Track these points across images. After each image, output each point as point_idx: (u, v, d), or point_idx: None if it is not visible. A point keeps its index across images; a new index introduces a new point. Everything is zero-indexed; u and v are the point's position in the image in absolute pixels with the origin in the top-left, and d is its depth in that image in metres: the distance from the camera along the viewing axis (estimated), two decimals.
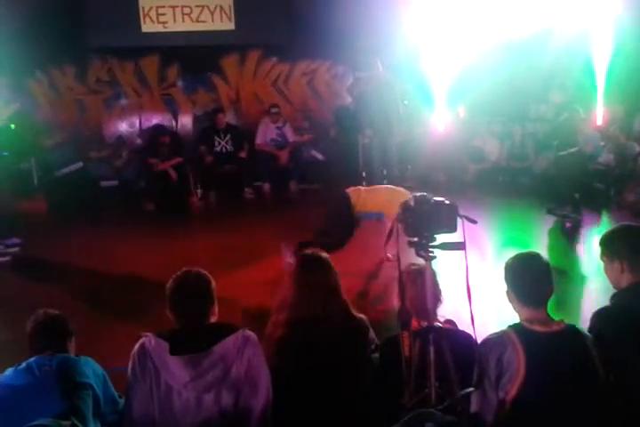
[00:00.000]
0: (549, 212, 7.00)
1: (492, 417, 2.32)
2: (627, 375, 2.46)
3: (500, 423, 2.32)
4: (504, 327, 2.45)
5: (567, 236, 6.77)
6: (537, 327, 2.38)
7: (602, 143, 8.43)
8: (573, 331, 2.43)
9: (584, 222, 6.95)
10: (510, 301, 2.50)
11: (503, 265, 2.51)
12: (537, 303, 2.43)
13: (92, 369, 2.72)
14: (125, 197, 8.87)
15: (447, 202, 2.27)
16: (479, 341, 2.43)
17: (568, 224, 6.87)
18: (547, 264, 2.48)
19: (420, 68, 9.05)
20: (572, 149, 7.21)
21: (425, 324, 2.37)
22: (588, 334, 2.47)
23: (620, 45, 8.83)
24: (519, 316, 2.48)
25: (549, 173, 8.04)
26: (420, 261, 2.45)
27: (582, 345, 2.39)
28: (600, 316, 2.66)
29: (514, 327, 2.41)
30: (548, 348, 2.34)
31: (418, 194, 2.28)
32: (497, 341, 2.38)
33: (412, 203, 2.24)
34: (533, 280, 2.44)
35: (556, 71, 8.99)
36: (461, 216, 2.27)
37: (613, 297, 2.73)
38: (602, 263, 2.76)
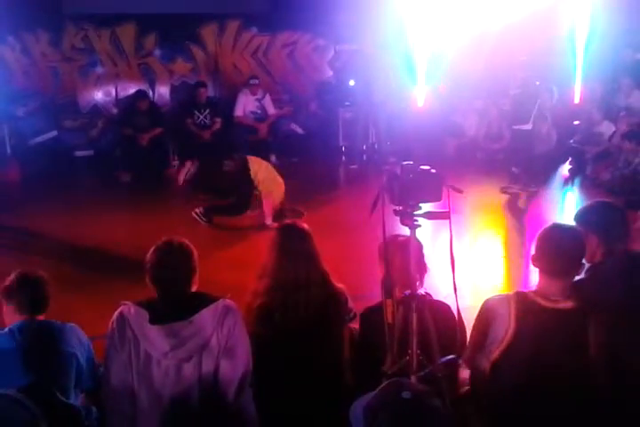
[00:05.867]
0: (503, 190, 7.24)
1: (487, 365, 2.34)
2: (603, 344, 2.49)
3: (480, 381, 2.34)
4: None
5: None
6: (540, 300, 2.35)
7: (576, 122, 8.55)
8: (580, 312, 2.36)
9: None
10: (536, 266, 2.46)
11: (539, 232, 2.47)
12: (554, 274, 2.38)
13: (77, 338, 2.68)
14: (100, 168, 8.72)
15: (433, 171, 2.26)
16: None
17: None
18: (579, 239, 2.42)
19: (401, 43, 8.97)
20: (526, 127, 7.36)
21: (408, 292, 2.37)
22: (594, 316, 2.38)
23: (600, 24, 8.83)
24: (536, 286, 2.45)
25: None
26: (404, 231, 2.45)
27: (581, 328, 2.33)
28: (577, 287, 2.69)
29: (517, 294, 2.40)
30: (542, 322, 2.32)
31: (404, 162, 2.26)
32: (494, 302, 2.41)
33: (398, 171, 2.23)
34: (559, 249, 2.39)
35: (536, 49, 8.98)
36: (447, 186, 2.26)
37: (589, 269, 2.76)
38: None
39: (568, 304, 2.36)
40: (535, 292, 2.40)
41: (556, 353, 2.30)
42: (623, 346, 2.42)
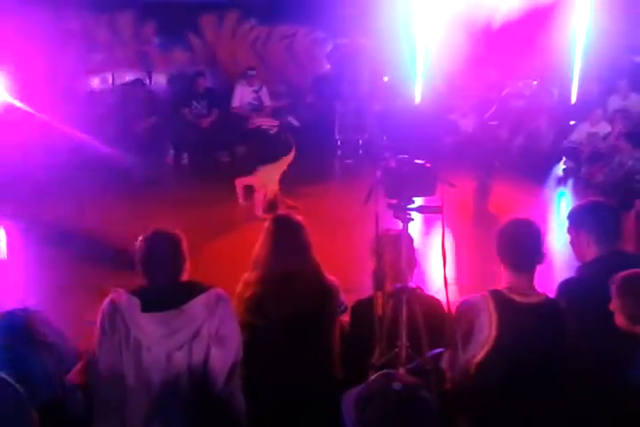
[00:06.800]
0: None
1: (458, 374, 2.35)
2: (590, 344, 2.51)
3: (463, 383, 2.35)
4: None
5: None
6: (516, 297, 2.38)
7: (572, 122, 8.60)
8: (552, 305, 2.42)
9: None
10: (501, 262, 2.50)
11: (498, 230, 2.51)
12: (520, 268, 2.43)
13: (47, 325, 2.64)
14: (96, 154, 8.66)
15: (428, 165, 2.26)
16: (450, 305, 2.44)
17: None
18: (537, 231, 2.47)
19: (400, 37, 8.96)
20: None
21: (399, 285, 2.38)
22: (565, 308, 2.46)
23: (599, 25, 8.84)
24: (504, 282, 2.48)
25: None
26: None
27: (558, 320, 2.39)
28: (567, 286, 2.71)
29: (493, 293, 2.42)
30: (522, 319, 2.35)
31: (399, 156, 2.27)
32: (473, 303, 2.41)
33: (393, 164, 2.23)
34: (520, 244, 2.44)
35: (534, 48, 8.99)
36: (441, 180, 2.27)
37: (580, 269, 2.78)
38: (568, 237, 2.80)
39: (541, 297, 2.42)
40: (508, 289, 2.43)
41: (536, 346, 2.32)
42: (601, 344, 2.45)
